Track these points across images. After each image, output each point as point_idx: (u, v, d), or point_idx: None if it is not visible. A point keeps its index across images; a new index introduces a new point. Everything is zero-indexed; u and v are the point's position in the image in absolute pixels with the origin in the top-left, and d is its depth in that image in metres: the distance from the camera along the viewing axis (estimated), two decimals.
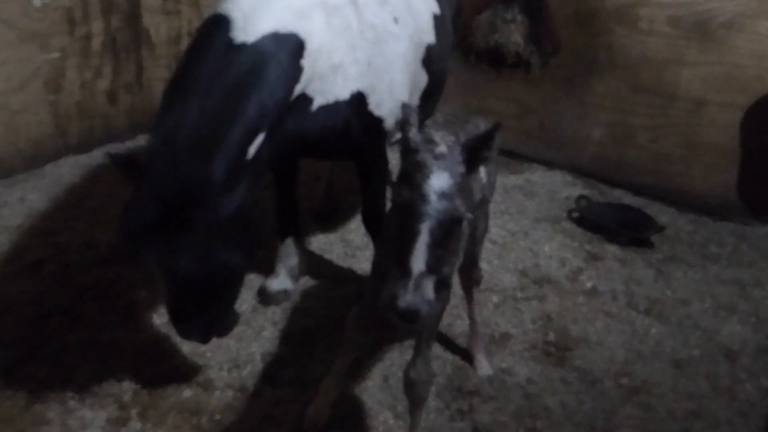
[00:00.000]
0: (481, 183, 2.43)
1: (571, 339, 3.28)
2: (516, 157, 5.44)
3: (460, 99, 5.84)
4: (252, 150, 2.43)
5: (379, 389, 2.88)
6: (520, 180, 5.09)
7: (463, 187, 1.71)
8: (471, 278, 2.99)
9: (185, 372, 2.90)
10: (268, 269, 3.48)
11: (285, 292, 3.42)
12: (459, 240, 1.74)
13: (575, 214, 4.53)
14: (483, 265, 3.81)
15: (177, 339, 3.08)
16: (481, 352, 3.03)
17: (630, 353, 3.22)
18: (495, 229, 4.31)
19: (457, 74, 5.76)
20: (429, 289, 1.66)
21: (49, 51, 4.51)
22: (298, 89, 2.60)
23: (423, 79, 3.31)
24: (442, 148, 1.74)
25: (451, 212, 1.68)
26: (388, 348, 3.12)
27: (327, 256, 3.90)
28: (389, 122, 3.04)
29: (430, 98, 3.48)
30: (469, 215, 1.73)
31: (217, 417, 2.68)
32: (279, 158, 2.81)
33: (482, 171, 2.44)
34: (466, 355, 3.10)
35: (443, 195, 1.67)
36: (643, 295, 3.68)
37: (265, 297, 3.42)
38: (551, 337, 3.29)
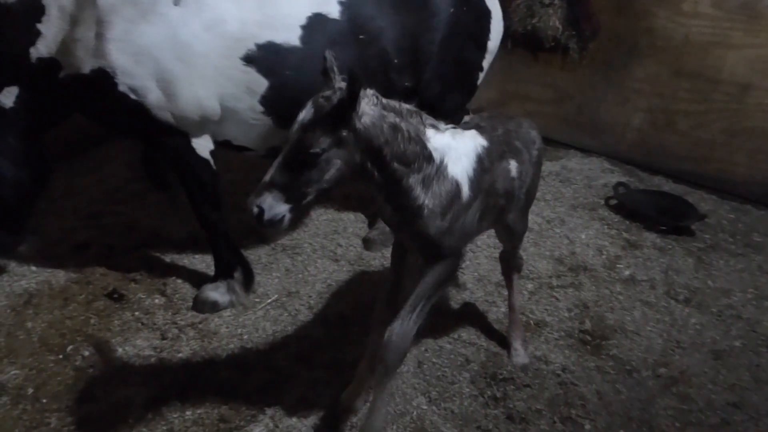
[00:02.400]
0: (508, 175, 2.41)
1: (608, 328, 3.24)
2: (552, 143, 5.36)
3: (496, 84, 5.76)
4: (5, 100, 2.84)
5: (413, 374, 2.90)
6: (557, 167, 5.03)
7: (326, 128, 1.88)
8: (511, 265, 2.98)
9: (223, 354, 2.97)
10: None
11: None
12: (315, 171, 1.92)
13: (613, 201, 4.46)
14: None
15: (216, 321, 3.17)
16: (518, 340, 3.02)
17: (668, 343, 3.17)
18: (531, 216, 4.25)
19: (494, 59, 5.70)
20: (269, 198, 1.93)
21: None
22: (38, 52, 2.75)
23: (255, 80, 2.83)
24: (328, 93, 1.93)
25: (304, 142, 1.89)
26: (423, 334, 3.13)
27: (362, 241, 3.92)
28: (161, 112, 2.80)
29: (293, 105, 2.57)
30: (322, 152, 1.90)
31: (254, 398, 2.74)
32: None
33: (512, 165, 2.42)
34: (501, 342, 3.09)
35: (302, 126, 1.90)
36: (683, 285, 3.61)
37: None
38: (587, 325, 3.26)
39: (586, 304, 3.41)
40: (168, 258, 3.63)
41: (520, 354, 2.99)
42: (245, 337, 3.08)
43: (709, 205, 4.48)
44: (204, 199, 3.09)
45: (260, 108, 2.91)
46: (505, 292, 3.41)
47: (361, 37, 2.98)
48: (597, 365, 3.00)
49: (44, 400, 2.66)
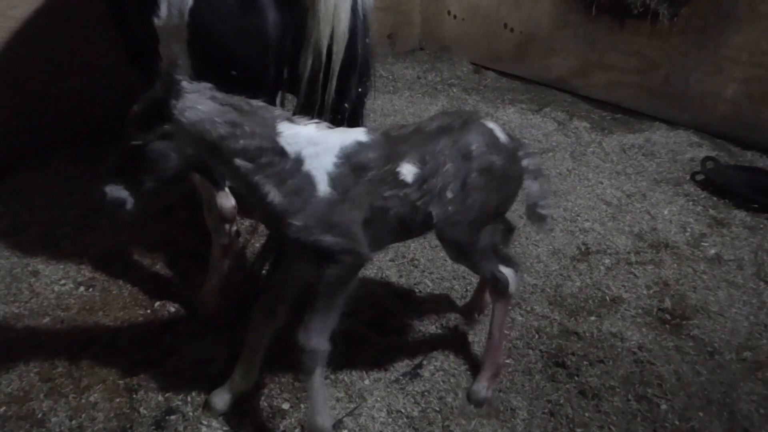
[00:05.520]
0: (396, 179, 2.16)
1: (690, 307, 3.12)
2: (636, 115, 5.15)
3: (577, 53, 5.58)
4: None
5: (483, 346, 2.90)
6: (640, 139, 4.82)
7: (147, 121, 1.94)
8: (492, 288, 2.60)
9: (299, 317, 3.06)
10: None
11: None
12: (145, 161, 1.98)
13: (700, 177, 4.24)
14: (595, 226, 3.72)
15: None
16: (487, 372, 2.63)
17: (755, 327, 3.01)
18: (610, 190, 4.15)
19: (576, 26, 5.51)
20: (109, 183, 2.02)
21: None
22: None
23: None
24: (156, 87, 1.98)
25: (129, 133, 1.97)
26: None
27: None
28: None
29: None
30: (144, 144, 1.96)
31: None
32: None
33: (406, 170, 2.18)
34: (573, 316, 3.05)
35: (128, 118, 1.98)
36: None
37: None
38: (667, 304, 3.14)
39: (666, 282, 3.29)
40: (246, 224, 3.76)
41: (482, 390, 2.60)
42: None
43: None
44: None
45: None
46: (581, 266, 3.36)
47: None
48: (676, 345, 2.90)
49: (134, 351, 2.84)
